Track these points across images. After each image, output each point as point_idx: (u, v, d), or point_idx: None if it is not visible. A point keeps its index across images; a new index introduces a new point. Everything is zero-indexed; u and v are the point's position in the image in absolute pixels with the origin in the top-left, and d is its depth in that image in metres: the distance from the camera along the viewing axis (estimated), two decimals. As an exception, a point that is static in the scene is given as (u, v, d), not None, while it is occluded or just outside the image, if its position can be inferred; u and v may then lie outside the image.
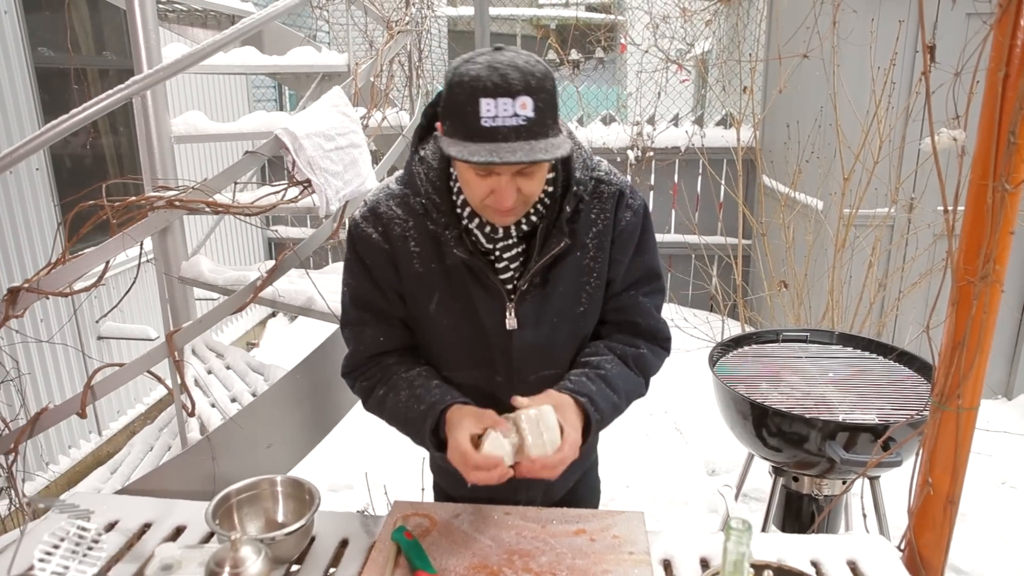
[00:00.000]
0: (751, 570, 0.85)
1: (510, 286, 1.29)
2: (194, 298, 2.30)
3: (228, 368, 2.17)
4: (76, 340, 3.38)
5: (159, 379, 1.87)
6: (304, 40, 3.02)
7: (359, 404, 2.29)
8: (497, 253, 1.28)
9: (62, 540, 1.03)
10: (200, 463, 1.73)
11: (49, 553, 1.04)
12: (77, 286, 1.84)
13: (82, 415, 1.70)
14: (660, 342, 1.42)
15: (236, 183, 1.86)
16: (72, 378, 3.45)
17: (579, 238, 1.30)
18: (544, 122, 1.08)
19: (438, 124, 1.17)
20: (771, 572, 1.24)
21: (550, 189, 1.27)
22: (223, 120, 4.52)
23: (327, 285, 2.13)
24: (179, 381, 1.77)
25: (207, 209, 1.74)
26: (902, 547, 1.47)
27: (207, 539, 1.37)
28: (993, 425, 3.47)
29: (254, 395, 2.00)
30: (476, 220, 1.26)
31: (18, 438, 1.69)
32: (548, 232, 1.26)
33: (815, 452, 1.89)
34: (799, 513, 2.09)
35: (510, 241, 1.27)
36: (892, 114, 3.03)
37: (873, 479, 2.03)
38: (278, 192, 1.88)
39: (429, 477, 2.36)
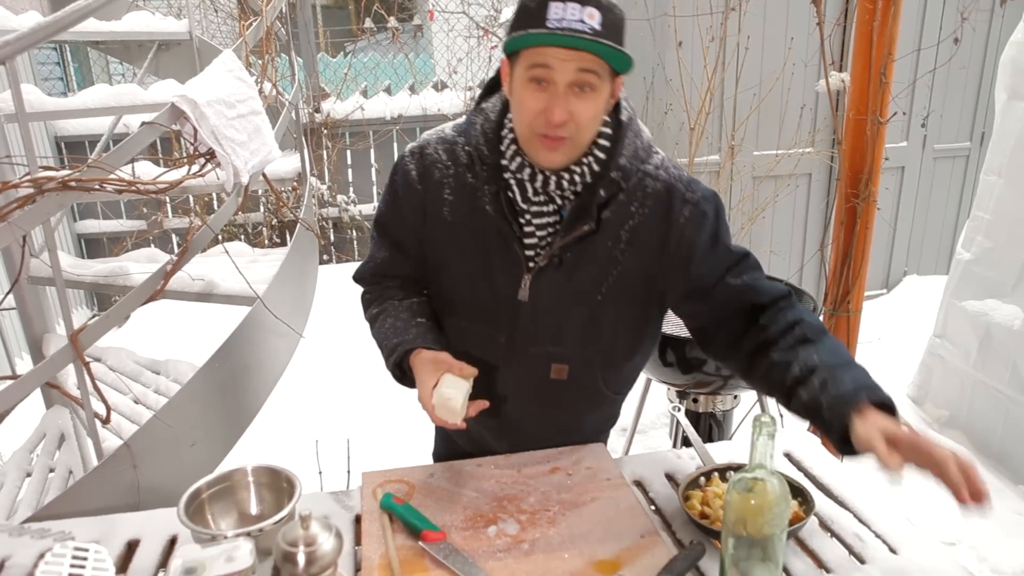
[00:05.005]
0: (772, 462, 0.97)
1: (531, 252, 1.29)
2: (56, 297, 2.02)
3: (113, 371, 1.94)
4: None
5: (59, 388, 1.64)
6: (131, 5, 2.71)
7: (280, 386, 2.18)
8: (528, 217, 1.26)
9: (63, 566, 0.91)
10: (120, 474, 1.56)
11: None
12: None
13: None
14: (790, 300, 1.28)
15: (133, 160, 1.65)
16: None
17: (610, 227, 1.27)
18: (609, 37, 1.09)
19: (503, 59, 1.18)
20: (732, 472, 1.41)
21: (604, 144, 1.24)
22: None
23: (221, 269, 1.97)
24: (89, 387, 1.55)
25: (109, 189, 1.53)
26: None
27: (169, 546, 1.28)
28: (879, 315, 4.10)
29: (157, 393, 1.83)
30: (518, 161, 1.23)
31: None
32: (577, 214, 1.25)
33: (713, 372, 2.13)
34: (699, 430, 2.34)
35: (544, 208, 1.26)
36: (720, 71, 3.37)
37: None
38: (179, 168, 1.69)
39: (357, 452, 2.31)
